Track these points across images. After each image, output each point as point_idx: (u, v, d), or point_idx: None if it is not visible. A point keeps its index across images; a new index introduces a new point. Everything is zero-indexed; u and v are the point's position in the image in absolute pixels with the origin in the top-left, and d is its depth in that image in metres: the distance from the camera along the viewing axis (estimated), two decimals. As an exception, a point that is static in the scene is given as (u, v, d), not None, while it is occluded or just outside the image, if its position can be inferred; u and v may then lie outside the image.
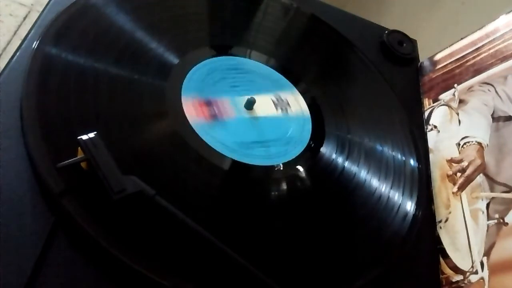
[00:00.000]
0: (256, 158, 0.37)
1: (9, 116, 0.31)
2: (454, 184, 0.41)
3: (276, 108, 0.41)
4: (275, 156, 0.38)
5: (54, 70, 0.34)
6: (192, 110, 0.37)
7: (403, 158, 0.42)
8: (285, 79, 0.44)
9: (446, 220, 0.40)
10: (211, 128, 0.37)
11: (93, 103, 0.34)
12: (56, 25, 0.36)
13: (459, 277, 0.37)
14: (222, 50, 0.43)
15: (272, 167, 0.37)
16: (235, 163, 0.36)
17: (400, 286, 0.36)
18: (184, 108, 0.37)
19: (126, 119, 0.35)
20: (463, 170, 0.41)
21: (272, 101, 0.41)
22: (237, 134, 0.38)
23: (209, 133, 0.36)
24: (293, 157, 0.38)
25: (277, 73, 0.44)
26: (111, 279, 0.28)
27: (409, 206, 0.39)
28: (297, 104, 0.42)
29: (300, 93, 0.43)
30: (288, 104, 0.41)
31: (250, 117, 0.40)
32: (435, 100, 0.48)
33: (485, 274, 0.35)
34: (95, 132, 0.30)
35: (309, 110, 0.42)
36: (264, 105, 0.41)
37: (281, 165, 0.37)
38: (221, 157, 0.35)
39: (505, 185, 0.37)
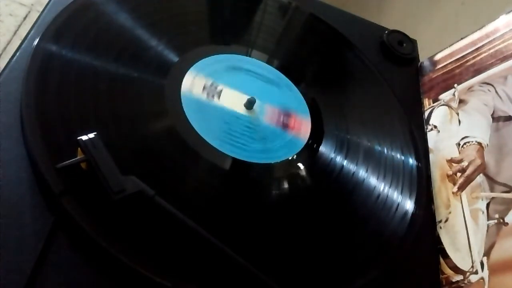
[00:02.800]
0: (216, 141, 0.36)
1: (9, 116, 0.31)
2: (454, 184, 0.41)
3: (275, 122, 0.40)
4: (275, 155, 0.38)
5: (54, 70, 0.34)
6: (189, 84, 0.38)
7: (403, 158, 0.42)
8: (305, 103, 0.43)
9: (446, 220, 0.40)
10: (202, 108, 0.37)
11: (93, 102, 0.34)
12: (56, 24, 0.36)
13: (459, 277, 0.37)
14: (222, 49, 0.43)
15: (271, 165, 0.37)
16: (234, 162, 0.36)
17: (400, 286, 0.36)
18: (184, 78, 0.38)
19: (126, 118, 0.35)
20: (463, 170, 0.41)
21: (277, 113, 0.41)
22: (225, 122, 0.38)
23: (200, 115, 0.37)
24: (292, 156, 0.38)
25: (301, 97, 0.43)
26: (111, 279, 0.28)
27: (409, 206, 0.39)
28: (300, 127, 0.41)
29: (300, 92, 0.43)
30: (288, 123, 0.41)
31: (246, 115, 0.40)
32: (435, 100, 0.48)
33: (485, 274, 0.35)
34: (95, 133, 0.30)
35: (309, 109, 0.42)
36: (266, 113, 0.41)
37: (280, 163, 0.37)
38: (221, 156, 0.35)
39: (505, 185, 0.37)
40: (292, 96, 0.43)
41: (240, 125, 0.39)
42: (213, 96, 0.39)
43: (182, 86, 0.38)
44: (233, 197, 0.35)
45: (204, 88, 0.39)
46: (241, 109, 0.40)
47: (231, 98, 0.40)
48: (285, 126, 0.40)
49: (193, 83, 0.38)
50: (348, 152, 0.40)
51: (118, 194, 0.28)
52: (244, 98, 0.40)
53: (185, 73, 0.39)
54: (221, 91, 0.39)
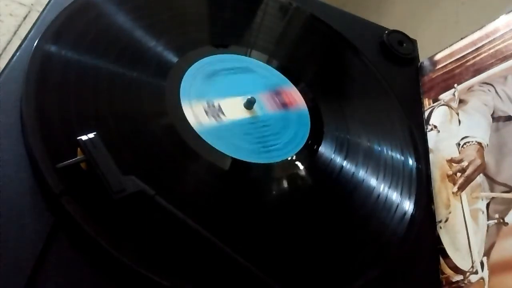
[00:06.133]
0: (254, 156, 0.37)
1: (9, 116, 0.31)
2: (454, 184, 0.41)
3: (275, 107, 0.41)
4: (274, 155, 0.38)
5: (54, 70, 0.34)
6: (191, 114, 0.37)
7: (403, 158, 0.42)
8: (280, 75, 0.44)
9: (446, 220, 0.40)
10: (220, 133, 0.37)
11: (93, 103, 0.34)
12: (56, 25, 0.36)
13: (459, 277, 0.37)
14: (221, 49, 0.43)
15: (271, 165, 0.37)
16: (234, 162, 0.36)
17: (400, 286, 0.36)
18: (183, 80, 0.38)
19: (126, 118, 0.35)
20: (463, 170, 0.41)
21: (271, 98, 0.41)
22: (238, 134, 0.38)
23: (223, 141, 0.37)
24: (292, 156, 0.38)
25: (274, 70, 0.44)
26: (111, 279, 0.28)
27: (408, 206, 0.39)
28: (297, 99, 0.42)
29: (300, 93, 0.43)
30: (289, 99, 0.41)
31: (251, 116, 0.40)
32: (435, 100, 0.48)
33: (485, 274, 0.35)
34: (94, 133, 0.30)
35: (308, 110, 0.42)
36: (264, 103, 0.41)
37: (280, 163, 0.37)
38: (220, 155, 0.35)
39: (505, 185, 0.37)
40: (268, 73, 0.44)
41: (257, 128, 0.39)
42: (218, 116, 0.38)
43: (181, 87, 0.38)
44: (233, 196, 0.35)
45: (206, 112, 0.38)
46: (246, 113, 0.40)
47: (232, 107, 0.39)
48: (284, 105, 0.41)
49: (195, 113, 0.37)
50: (348, 152, 0.40)
51: (118, 194, 0.28)
52: (239, 100, 0.40)
53: (184, 74, 0.39)
54: (219, 106, 0.39)
